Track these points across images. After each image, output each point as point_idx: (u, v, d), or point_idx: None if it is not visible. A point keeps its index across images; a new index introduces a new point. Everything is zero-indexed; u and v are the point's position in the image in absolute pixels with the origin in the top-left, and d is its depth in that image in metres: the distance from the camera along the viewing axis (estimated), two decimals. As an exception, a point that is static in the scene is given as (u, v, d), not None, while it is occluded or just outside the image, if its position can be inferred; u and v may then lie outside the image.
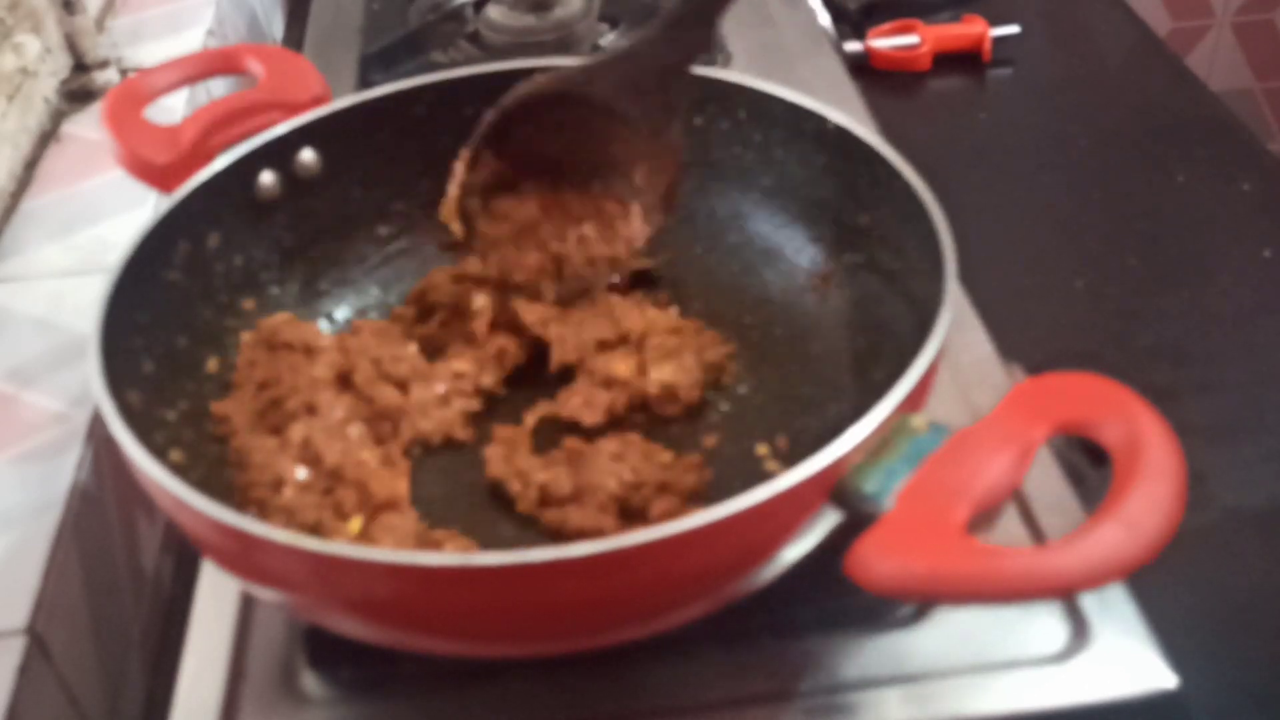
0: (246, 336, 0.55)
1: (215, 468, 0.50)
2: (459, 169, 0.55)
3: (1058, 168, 0.83)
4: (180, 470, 0.41)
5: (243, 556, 0.41)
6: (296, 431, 0.49)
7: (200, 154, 0.55)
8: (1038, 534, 0.52)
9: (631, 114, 0.53)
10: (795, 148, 0.57)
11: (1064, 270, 0.74)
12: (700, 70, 0.59)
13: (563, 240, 0.54)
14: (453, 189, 0.55)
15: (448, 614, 0.40)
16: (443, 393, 0.53)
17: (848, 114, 0.55)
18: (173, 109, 0.75)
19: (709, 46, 0.52)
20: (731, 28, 0.89)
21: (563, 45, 0.87)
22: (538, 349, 0.56)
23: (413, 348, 0.55)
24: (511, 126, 0.54)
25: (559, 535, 0.49)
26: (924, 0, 0.98)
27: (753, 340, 0.58)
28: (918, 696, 0.47)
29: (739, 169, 0.59)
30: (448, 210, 0.55)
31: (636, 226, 0.54)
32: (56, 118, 0.79)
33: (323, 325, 0.59)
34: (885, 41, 0.94)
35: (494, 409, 0.55)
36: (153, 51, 0.85)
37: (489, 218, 0.56)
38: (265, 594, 0.46)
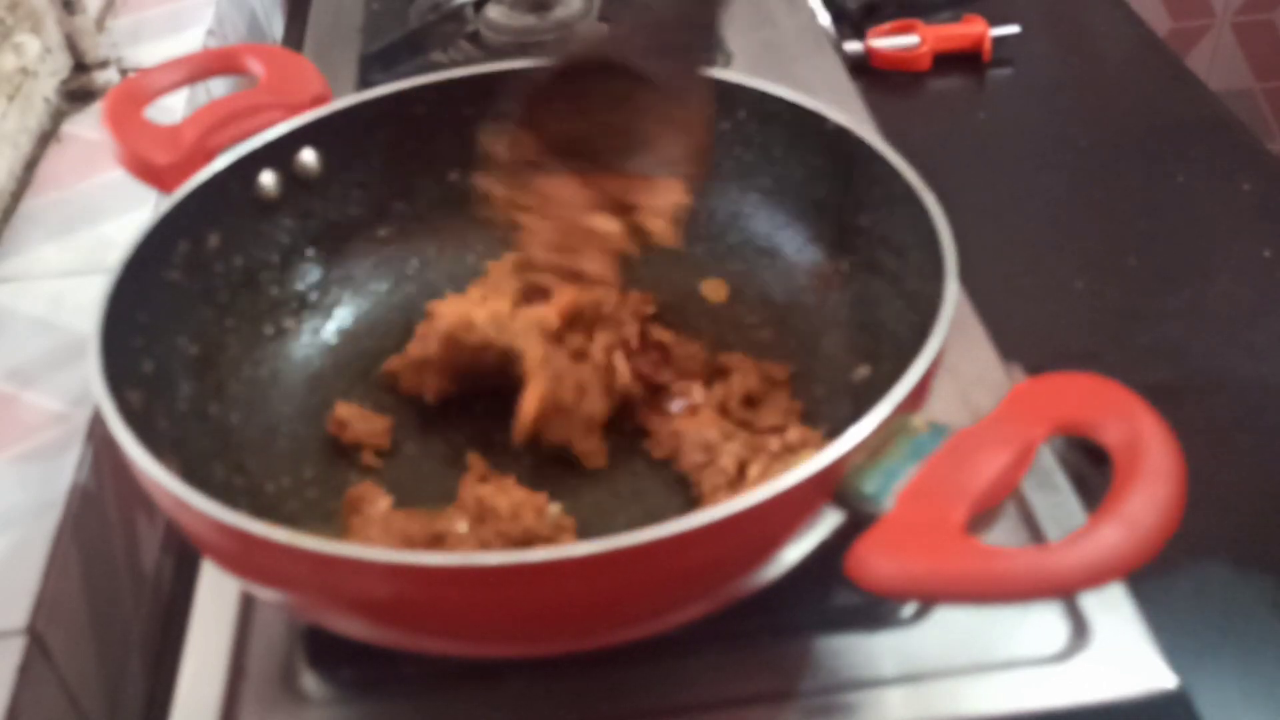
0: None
1: (214, 466, 0.50)
2: (494, 147, 0.53)
3: (1058, 168, 0.83)
4: (179, 469, 0.41)
5: (243, 556, 0.41)
6: None
7: (200, 154, 0.55)
8: (1038, 534, 0.52)
9: (659, 75, 0.51)
10: (795, 148, 0.57)
11: (1064, 270, 0.74)
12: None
13: (601, 214, 0.53)
14: (493, 176, 0.54)
15: (448, 614, 0.40)
16: None
17: (848, 114, 0.55)
18: (173, 109, 0.75)
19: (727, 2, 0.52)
20: (732, 28, 0.89)
21: (563, 45, 0.87)
22: None
23: None
24: (543, 104, 0.53)
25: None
26: (924, 0, 0.98)
27: (753, 340, 0.58)
28: (918, 696, 0.47)
29: (739, 169, 0.59)
30: (493, 193, 0.54)
31: (675, 198, 0.52)
32: (56, 118, 0.79)
33: (327, 326, 0.59)
34: (885, 41, 0.94)
35: None
36: (153, 51, 0.85)
37: (523, 193, 0.53)
38: (265, 594, 0.46)
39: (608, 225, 0.51)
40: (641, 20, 0.52)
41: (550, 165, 0.53)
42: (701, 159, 0.52)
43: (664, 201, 0.51)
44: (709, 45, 0.52)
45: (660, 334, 0.55)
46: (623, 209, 0.52)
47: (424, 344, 0.55)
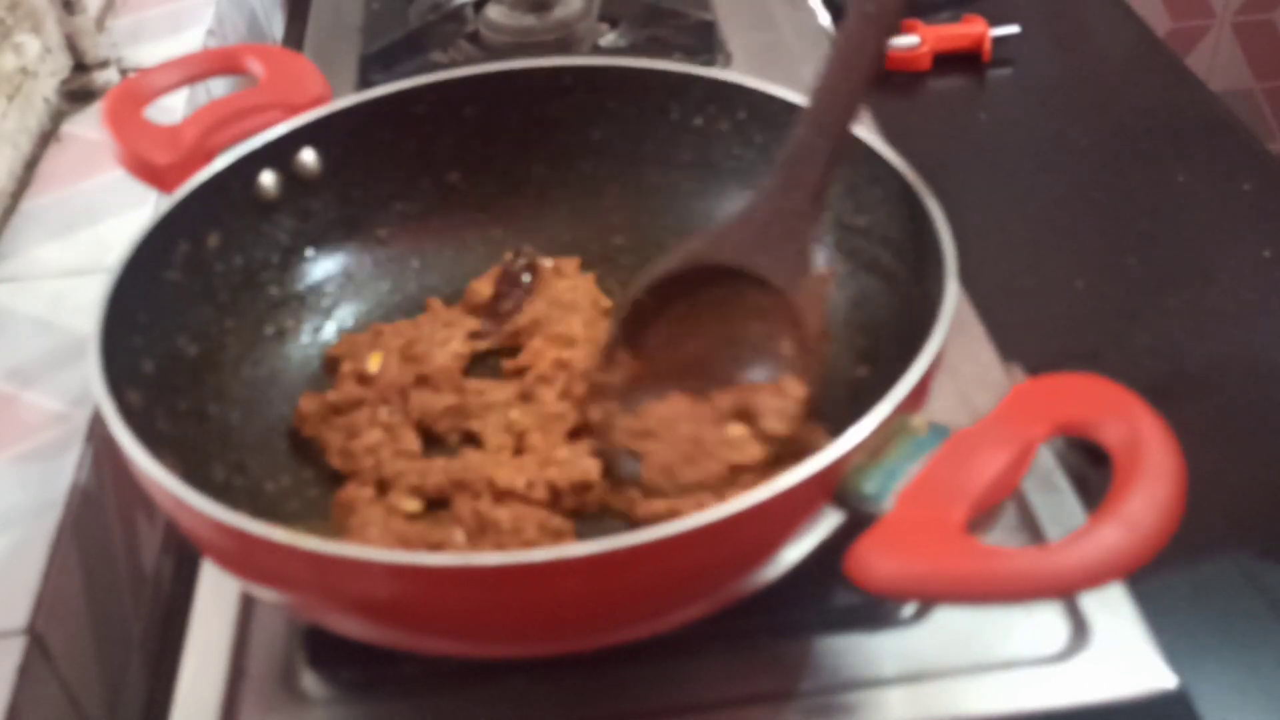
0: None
1: (214, 466, 0.50)
2: (599, 375, 0.52)
3: (1058, 168, 0.83)
4: (179, 469, 0.41)
5: (243, 556, 0.41)
6: None
7: (200, 154, 0.55)
8: (1038, 534, 0.52)
9: (766, 269, 0.49)
10: (795, 148, 0.57)
11: (1064, 270, 0.74)
12: (702, 72, 0.59)
13: (718, 432, 0.49)
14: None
15: (448, 614, 0.40)
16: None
17: (848, 114, 0.55)
18: (173, 109, 0.75)
19: (826, 187, 0.49)
20: (731, 28, 0.89)
21: (563, 45, 0.87)
22: None
23: None
24: (646, 319, 0.51)
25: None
26: (924, 0, 0.98)
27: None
28: (918, 696, 0.47)
29: (739, 169, 0.59)
30: (609, 424, 0.51)
31: (796, 395, 0.48)
32: (56, 118, 0.79)
33: (327, 326, 0.59)
34: (885, 41, 0.94)
35: None
36: (153, 51, 0.85)
37: (632, 417, 0.51)
38: (265, 594, 0.46)
39: (736, 433, 0.48)
40: (738, 220, 0.50)
41: (660, 387, 0.51)
42: (818, 347, 0.49)
43: (784, 403, 0.48)
44: (813, 231, 0.49)
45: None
46: (744, 415, 0.48)
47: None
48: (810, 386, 0.48)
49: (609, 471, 0.50)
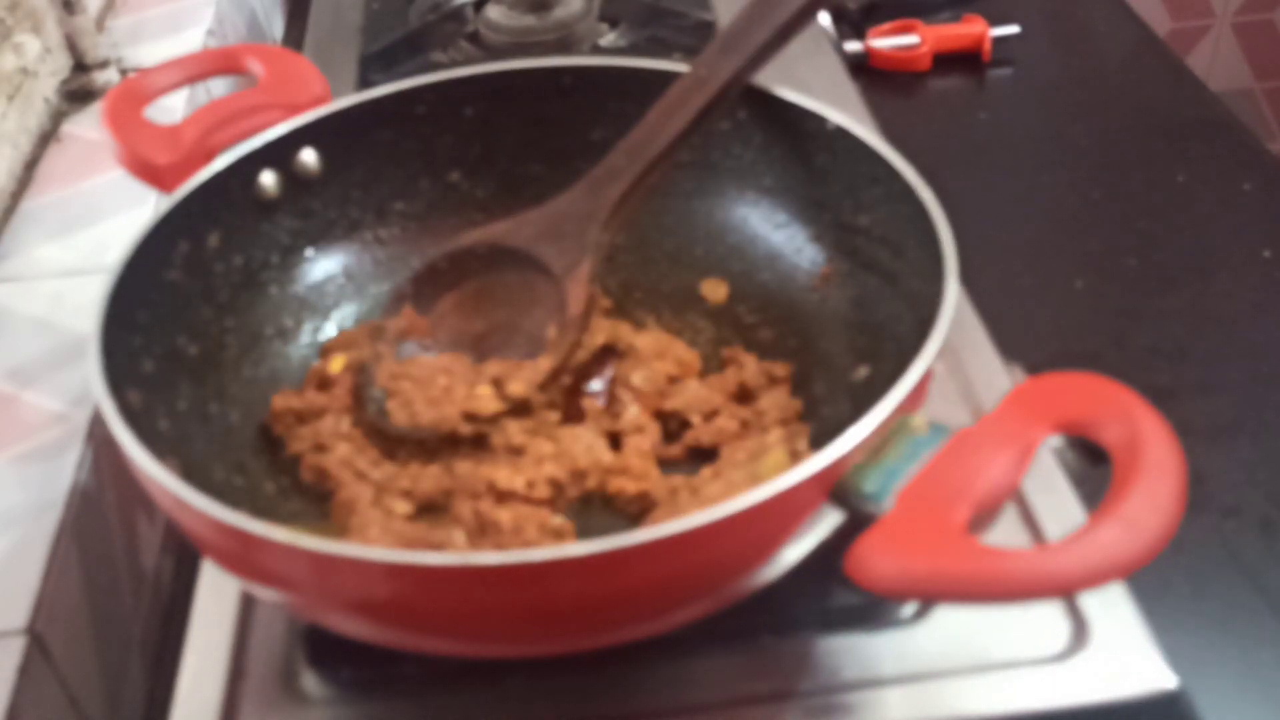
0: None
1: (214, 466, 0.50)
2: (387, 322, 0.56)
3: (1058, 168, 0.83)
4: (179, 469, 0.41)
5: (243, 556, 0.41)
6: None
7: (200, 154, 0.55)
8: (1038, 534, 0.52)
9: (547, 255, 0.55)
10: (795, 148, 0.57)
11: (1064, 270, 0.74)
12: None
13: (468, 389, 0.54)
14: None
15: (448, 614, 0.40)
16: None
17: (848, 114, 0.55)
18: (173, 109, 0.75)
19: (625, 201, 0.56)
20: (731, 28, 0.89)
21: (563, 45, 0.87)
22: None
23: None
24: (441, 286, 0.57)
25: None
26: (924, 0, 0.98)
27: (752, 341, 0.58)
28: (918, 696, 0.47)
29: (739, 169, 0.59)
30: (377, 364, 0.55)
31: (544, 367, 0.54)
32: (56, 118, 0.79)
33: (327, 326, 0.59)
34: (885, 41, 0.94)
35: None
36: (153, 51, 0.85)
37: (398, 363, 0.55)
38: (265, 594, 0.46)
39: (483, 393, 0.54)
40: (536, 213, 0.56)
41: (434, 346, 0.56)
42: (574, 329, 0.54)
43: (531, 373, 0.54)
44: (598, 234, 0.55)
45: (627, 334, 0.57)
46: (496, 381, 0.54)
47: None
48: (558, 362, 0.54)
49: (359, 403, 0.54)
